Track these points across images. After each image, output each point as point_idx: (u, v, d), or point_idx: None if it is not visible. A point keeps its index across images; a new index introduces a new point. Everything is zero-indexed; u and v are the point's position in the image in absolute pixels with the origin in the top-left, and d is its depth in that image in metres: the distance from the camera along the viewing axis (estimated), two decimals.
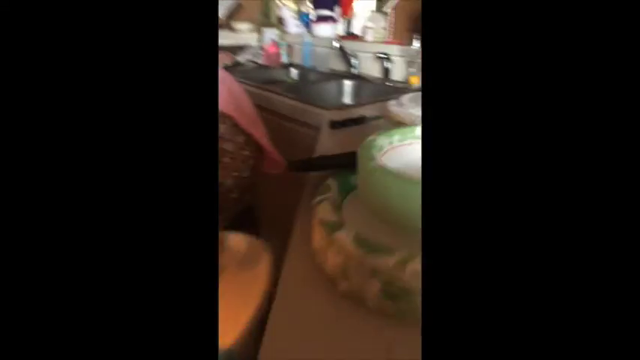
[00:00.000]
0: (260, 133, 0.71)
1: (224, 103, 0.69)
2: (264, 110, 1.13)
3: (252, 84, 1.33)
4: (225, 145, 0.70)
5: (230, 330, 0.43)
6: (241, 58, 1.76)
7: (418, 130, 0.48)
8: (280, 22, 1.92)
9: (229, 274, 0.52)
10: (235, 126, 0.69)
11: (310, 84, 1.52)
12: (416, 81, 1.33)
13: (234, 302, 0.47)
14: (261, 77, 1.50)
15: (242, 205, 0.71)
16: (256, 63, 1.74)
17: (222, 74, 0.75)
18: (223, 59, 1.67)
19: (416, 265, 0.31)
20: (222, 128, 0.70)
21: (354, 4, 1.70)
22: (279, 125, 1.13)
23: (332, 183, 0.45)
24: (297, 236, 0.44)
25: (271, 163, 0.74)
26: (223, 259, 0.54)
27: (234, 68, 1.62)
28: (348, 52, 1.53)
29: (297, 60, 1.82)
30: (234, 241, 0.58)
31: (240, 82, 1.38)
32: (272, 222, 0.81)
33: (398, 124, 0.81)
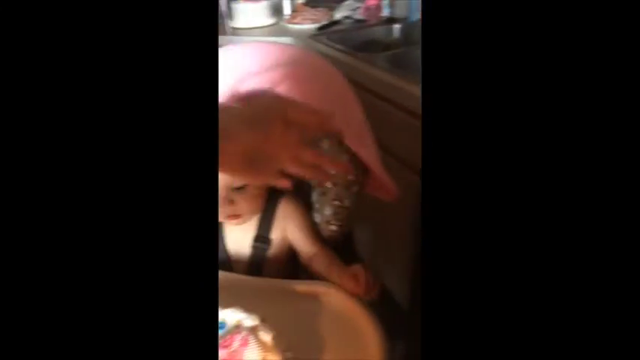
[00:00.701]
0: (369, 152, 0.57)
1: (326, 106, 0.55)
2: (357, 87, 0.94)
3: (345, 50, 1.13)
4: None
5: None
6: (338, 14, 1.54)
7: None
8: None
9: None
10: (340, 143, 0.56)
11: (414, 47, 1.27)
12: None
13: None
14: (358, 39, 1.30)
15: (340, 237, 0.60)
16: (354, 19, 1.51)
17: (306, 56, 0.59)
18: (317, 17, 1.48)
19: None
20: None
21: None
22: (371, 106, 0.94)
23: None
24: None
25: (379, 188, 0.60)
26: None
27: (328, 28, 1.42)
28: None
29: (401, 13, 1.53)
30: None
31: (333, 47, 1.21)
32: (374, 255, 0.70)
33: None
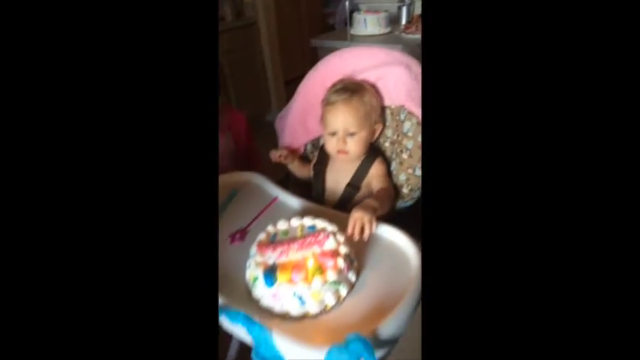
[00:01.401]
0: None
1: (407, 95, 0.72)
2: None
3: None
4: (405, 142, 0.74)
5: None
6: None
7: None
8: None
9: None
10: (419, 124, 0.72)
11: None
12: None
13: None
14: None
15: (410, 201, 0.76)
16: None
17: (403, 58, 0.76)
18: None
19: None
20: (407, 126, 0.74)
21: None
22: None
23: None
24: None
25: None
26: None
27: None
28: None
29: None
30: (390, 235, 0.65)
31: None
32: None
33: None
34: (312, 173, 0.85)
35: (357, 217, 0.60)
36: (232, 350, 0.89)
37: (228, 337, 0.86)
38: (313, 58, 2.02)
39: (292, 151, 0.87)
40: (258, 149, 1.13)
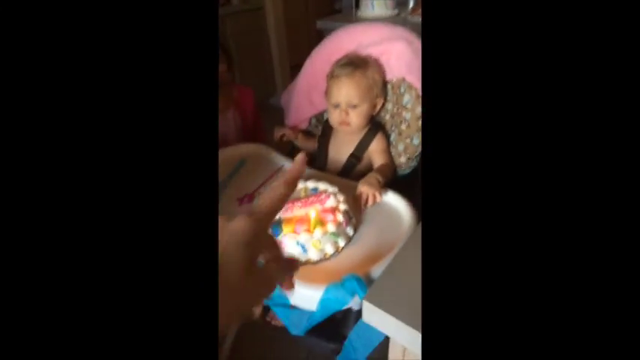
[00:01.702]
0: None
1: (407, 68, 0.76)
2: None
3: None
4: (404, 114, 0.79)
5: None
6: None
7: None
8: None
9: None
10: (419, 97, 0.76)
11: None
12: None
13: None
14: None
15: (407, 170, 0.81)
16: None
17: (404, 33, 0.80)
18: None
19: None
20: (406, 99, 0.78)
21: None
22: None
23: None
24: None
25: None
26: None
27: None
28: None
29: None
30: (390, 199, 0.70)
31: None
32: None
33: None
34: (316, 145, 0.90)
35: (365, 190, 0.68)
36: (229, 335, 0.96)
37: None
38: (319, 41, 2.03)
39: (293, 129, 0.92)
40: (264, 127, 1.18)
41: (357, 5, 1.84)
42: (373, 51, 0.81)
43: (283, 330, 0.80)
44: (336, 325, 0.78)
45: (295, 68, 2.91)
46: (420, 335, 0.35)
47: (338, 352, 0.72)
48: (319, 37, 2.01)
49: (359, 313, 0.68)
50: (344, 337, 0.71)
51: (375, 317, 0.40)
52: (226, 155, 0.87)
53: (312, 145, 0.92)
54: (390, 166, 0.81)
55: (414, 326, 0.36)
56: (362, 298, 0.50)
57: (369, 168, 0.83)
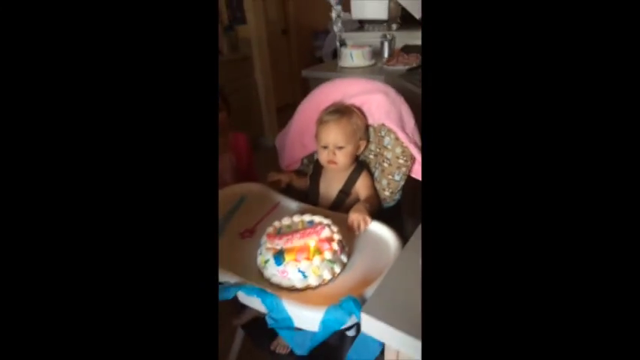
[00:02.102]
0: (416, 147, 0.87)
1: (386, 115, 0.88)
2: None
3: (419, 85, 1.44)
4: (386, 153, 0.90)
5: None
6: None
7: None
8: None
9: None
10: (397, 139, 0.88)
11: None
12: None
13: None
14: None
15: (392, 202, 0.91)
16: None
17: (383, 87, 0.93)
18: (409, 60, 1.82)
19: None
20: (387, 140, 0.90)
21: None
22: None
23: None
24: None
25: (418, 172, 0.90)
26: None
27: (415, 70, 1.75)
28: None
29: None
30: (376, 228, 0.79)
31: (414, 84, 1.52)
32: (412, 215, 0.98)
33: None
34: (308, 183, 1.00)
35: (355, 217, 0.78)
36: (237, 342, 0.99)
37: (234, 329, 0.97)
38: (304, 87, 2.22)
39: (286, 174, 1.02)
40: (255, 167, 1.29)
41: (338, 56, 2.04)
42: (356, 101, 0.94)
43: (286, 358, 0.84)
44: (333, 351, 0.83)
45: (280, 110, 3.06)
46: (410, 338, 0.42)
47: None
48: (304, 84, 2.17)
49: (353, 339, 0.74)
50: None
51: (372, 326, 0.47)
52: (227, 194, 0.95)
53: (304, 183, 1.02)
54: (375, 196, 0.91)
55: (405, 331, 0.43)
56: (358, 318, 0.57)
57: (356, 200, 0.93)
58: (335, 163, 0.90)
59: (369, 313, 0.47)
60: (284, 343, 0.85)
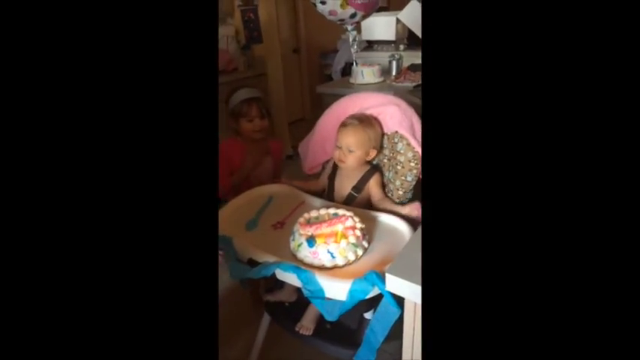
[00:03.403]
0: None
1: (399, 124, 1.02)
2: None
3: None
4: (399, 157, 1.03)
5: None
6: None
7: None
8: None
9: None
10: (409, 145, 1.01)
11: None
12: None
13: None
14: None
15: (405, 200, 1.04)
16: None
17: (395, 100, 1.07)
18: (415, 78, 1.97)
19: None
20: (400, 146, 1.03)
21: None
22: None
23: None
24: None
25: None
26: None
27: (420, 87, 1.90)
28: None
29: None
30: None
31: (421, 98, 1.66)
32: None
33: None
34: (327, 182, 1.13)
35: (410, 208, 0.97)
36: (264, 325, 1.10)
37: (261, 313, 1.08)
38: (316, 103, 2.35)
39: (296, 182, 1.16)
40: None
41: (349, 73, 2.20)
42: (372, 112, 1.08)
43: (309, 339, 0.95)
44: (353, 333, 0.94)
45: (291, 124, 3.19)
46: None
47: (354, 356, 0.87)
48: (315, 100, 2.30)
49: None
50: (359, 345, 0.87)
51: (395, 283, 0.59)
52: (259, 192, 1.08)
53: (314, 186, 1.16)
54: (385, 196, 1.06)
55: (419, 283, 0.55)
56: (380, 289, 0.69)
57: (366, 199, 1.06)
58: (343, 162, 1.04)
59: (392, 273, 0.59)
60: (307, 325, 0.96)
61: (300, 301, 0.99)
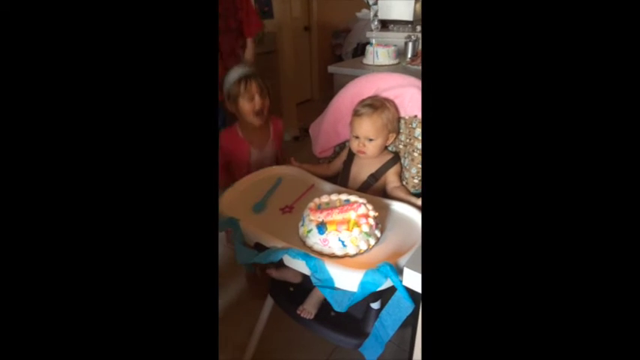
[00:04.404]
0: None
1: (419, 108, 0.96)
2: None
3: None
4: (416, 144, 0.98)
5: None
6: None
7: None
8: None
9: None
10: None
11: None
12: None
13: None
14: None
15: (420, 189, 0.99)
16: None
17: (415, 82, 1.00)
18: None
19: None
20: (417, 132, 0.98)
21: None
22: None
23: None
24: None
25: None
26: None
27: None
28: None
29: None
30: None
31: None
32: None
33: None
34: (341, 167, 1.08)
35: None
36: (266, 308, 1.08)
37: (264, 296, 1.05)
38: (326, 83, 2.26)
39: (305, 165, 1.10)
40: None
41: (363, 53, 2.11)
42: (389, 94, 1.02)
43: (313, 325, 0.93)
44: (358, 323, 0.91)
45: (300, 105, 3.12)
46: None
47: (359, 346, 0.85)
48: (324, 80, 2.23)
49: (377, 312, 0.82)
50: (365, 334, 0.84)
51: (413, 278, 0.55)
52: (266, 175, 1.04)
53: (324, 170, 1.11)
54: (402, 185, 1.00)
55: None
56: (393, 281, 0.65)
57: (382, 187, 1.01)
58: (364, 152, 0.99)
59: (410, 268, 0.55)
60: (309, 309, 0.93)
61: (305, 286, 0.96)
